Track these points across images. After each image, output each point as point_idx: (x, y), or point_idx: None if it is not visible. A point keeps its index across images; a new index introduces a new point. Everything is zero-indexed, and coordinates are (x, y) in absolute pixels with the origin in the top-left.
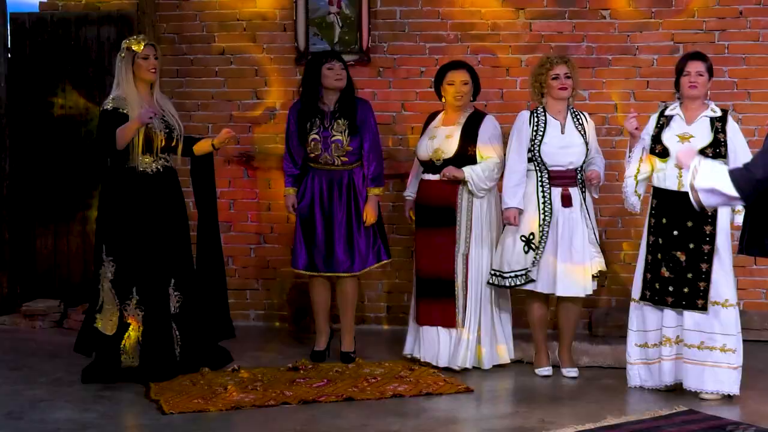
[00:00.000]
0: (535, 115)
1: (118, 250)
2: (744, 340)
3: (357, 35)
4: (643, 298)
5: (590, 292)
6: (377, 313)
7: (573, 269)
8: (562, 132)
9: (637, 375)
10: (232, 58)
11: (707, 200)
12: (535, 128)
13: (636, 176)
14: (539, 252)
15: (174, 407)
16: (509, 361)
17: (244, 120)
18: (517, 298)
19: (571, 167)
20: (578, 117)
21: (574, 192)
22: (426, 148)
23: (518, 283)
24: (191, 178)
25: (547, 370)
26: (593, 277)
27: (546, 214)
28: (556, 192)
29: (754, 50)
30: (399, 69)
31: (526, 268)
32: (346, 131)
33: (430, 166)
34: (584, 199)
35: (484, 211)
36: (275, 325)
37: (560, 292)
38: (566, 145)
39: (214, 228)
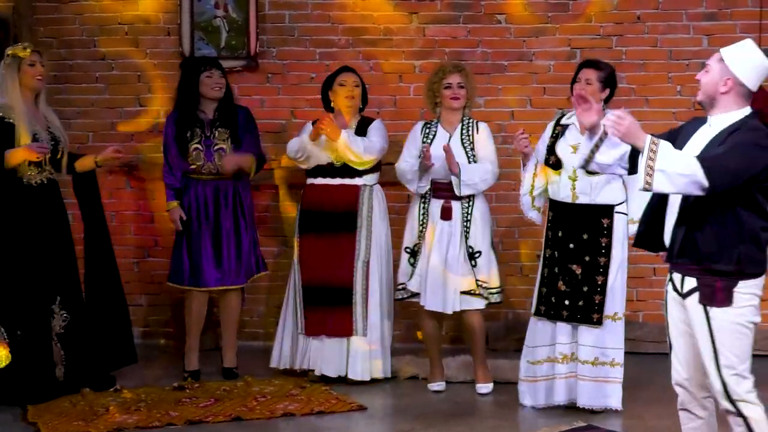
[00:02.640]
0: (429, 126)
1: None
2: (644, 353)
3: (244, 40)
4: (537, 313)
5: (456, 309)
6: (266, 329)
7: (444, 284)
8: (448, 143)
9: (525, 393)
10: (114, 64)
11: (667, 184)
12: (425, 139)
13: (531, 192)
14: (415, 264)
15: (53, 430)
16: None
17: (126, 128)
18: (415, 312)
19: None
20: (469, 128)
21: (456, 205)
22: (325, 152)
23: (404, 296)
24: (76, 195)
25: (439, 385)
26: (481, 295)
27: (423, 226)
28: (437, 204)
29: (652, 56)
30: (288, 75)
31: (405, 282)
32: (229, 140)
33: (327, 170)
34: (470, 214)
35: (382, 218)
36: (160, 342)
37: (429, 306)
38: (445, 158)
39: (106, 246)
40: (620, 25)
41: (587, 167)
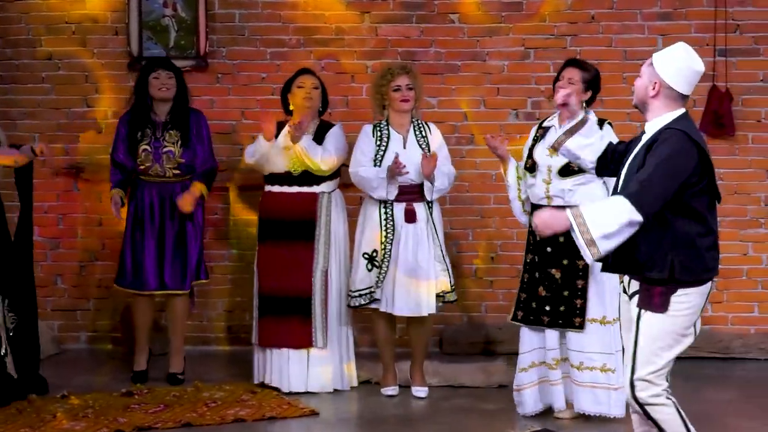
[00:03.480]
0: (378, 128)
1: None
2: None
3: (194, 40)
4: (514, 318)
5: (433, 311)
6: (217, 334)
7: (417, 287)
8: (404, 146)
9: (518, 402)
10: (60, 64)
11: (611, 244)
12: (378, 142)
13: (519, 197)
14: (383, 270)
15: None
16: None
17: (72, 129)
18: (366, 316)
19: (414, 182)
20: (422, 129)
21: (419, 207)
22: (283, 159)
23: (362, 303)
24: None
25: (392, 390)
26: (437, 295)
27: (388, 230)
28: (399, 207)
29: (607, 56)
30: (239, 75)
31: (371, 287)
32: (179, 142)
33: (285, 178)
34: (431, 214)
35: (342, 225)
36: (108, 347)
37: (397, 311)
38: (406, 160)
39: (26, 250)
40: (574, 25)
41: (557, 149)
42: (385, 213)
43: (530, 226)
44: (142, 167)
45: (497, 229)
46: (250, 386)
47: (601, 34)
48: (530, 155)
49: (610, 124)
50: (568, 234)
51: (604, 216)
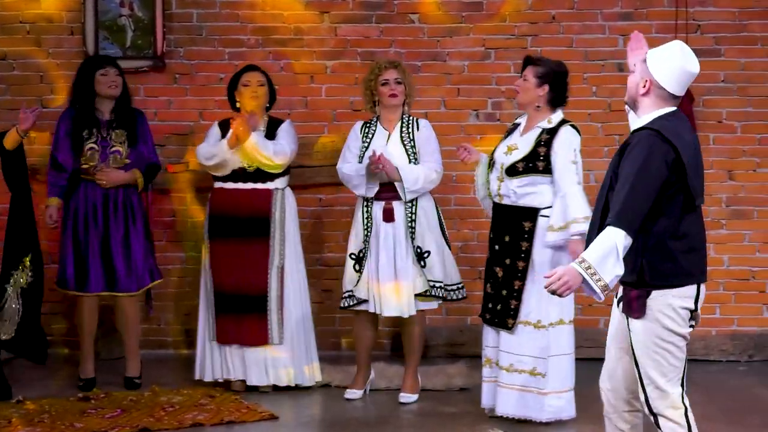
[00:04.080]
0: (368, 125)
1: None
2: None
3: (151, 39)
4: (481, 314)
5: (413, 313)
6: (175, 337)
7: (397, 288)
8: (387, 143)
9: (483, 394)
10: (15, 64)
11: (620, 271)
12: (364, 139)
13: (489, 195)
14: (362, 270)
15: None
16: (316, 382)
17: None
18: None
19: (396, 181)
20: (409, 126)
21: (399, 206)
22: (238, 157)
23: (350, 304)
24: (5, 175)
25: (353, 393)
26: (420, 295)
27: (368, 230)
28: (379, 206)
29: (568, 56)
30: (196, 75)
31: (352, 289)
32: (126, 142)
33: (239, 174)
34: (414, 213)
35: (294, 221)
36: (63, 351)
37: (385, 312)
38: (389, 155)
39: (31, 237)
40: (535, 25)
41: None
42: (367, 212)
43: (491, 222)
44: (85, 166)
45: (458, 231)
46: (208, 390)
47: (562, 34)
48: (494, 151)
49: (573, 126)
50: (513, 234)
51: (604, 253)
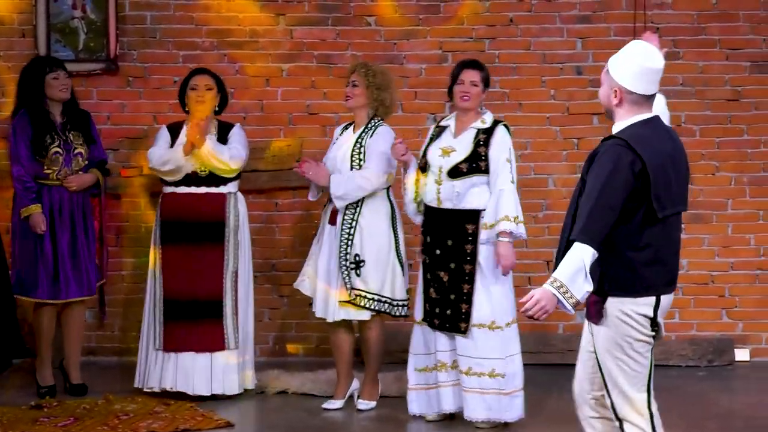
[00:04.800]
0: (345, 127)
1: None
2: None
3: (104, 42)
4: (424, 318)
5: (338, 318)
6: (129, 344)
7: (326, 291)
8: (349, 146)
9: (415, 402)
10: None
11: (589, 286)
12: (335, 141)
13: (415, 199)
14: (308, 272)
15: None
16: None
17: None
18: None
19: None
20: (370, 132)
21: (342, 211)
22: (191, 162)
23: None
24: None
25: (332, 404)
26: (344, 302)
27: (319, 232)
28: (330, 207)
29: (526, 59)
30: (150, 78)
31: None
32: (84, 144)
33: (192, 178)
34: (355, 221)
35: (246, 225)
36: (15, 359)
37: (317, 312)
38: (339, 159)
39: None
40: (493, 28)
41: None
42: (323, 214)
43: (423, 226)
44: (48, 171)
45: (413, 235)
46: (163, 398)
47: (520, 37)
48: (424, 155)
49: (506, 126)
50: (456, 237)
51: (572, 268)
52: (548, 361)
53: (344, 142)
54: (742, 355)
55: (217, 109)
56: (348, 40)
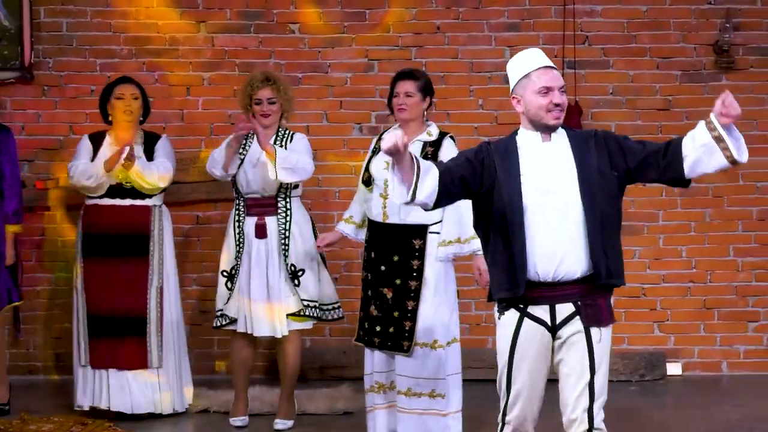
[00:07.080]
0: (246, 137)
1: None
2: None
3: (18, 50)
4: (358, 339)
5: (285, 333)
6: (45, 362)
7: (267, 307)
8: (258, 159)
9: (368, 425)
10: None
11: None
12: (241, 151)
13: (348, 219)
14: (233, 288)
15: None
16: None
17: None
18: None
19: (267, 194)
20: (284, 139)
21: (271, 222)
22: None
23: (221, 324)
24: None
25: (240, 420)
26: (294, 315)
27: (239, 246)
28: (251, 221)
29: (453, 68)
30: (66, 87)
31: (223, 308)
32: None
33: (116, 190)
34: (287, 230)
35: (171, 238)
36: None
37: (256, 332)
38: (254, 175)
39: None
40: (419, 36)
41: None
42: (239, 227)
43: (367, 242)
44: None
45: (341, 248)
46: (80, 418)
47: (447, 45)
48: (367, 168)
49: (452, 137)
50: (402, 253)
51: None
52: (476, 377)
53: (255, 153)
54: (674, 369)
55: (141, 119)
56: (271, 48)
